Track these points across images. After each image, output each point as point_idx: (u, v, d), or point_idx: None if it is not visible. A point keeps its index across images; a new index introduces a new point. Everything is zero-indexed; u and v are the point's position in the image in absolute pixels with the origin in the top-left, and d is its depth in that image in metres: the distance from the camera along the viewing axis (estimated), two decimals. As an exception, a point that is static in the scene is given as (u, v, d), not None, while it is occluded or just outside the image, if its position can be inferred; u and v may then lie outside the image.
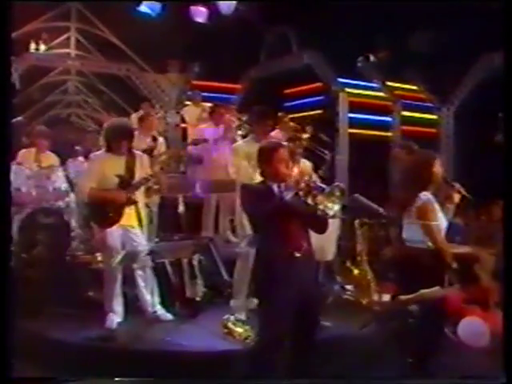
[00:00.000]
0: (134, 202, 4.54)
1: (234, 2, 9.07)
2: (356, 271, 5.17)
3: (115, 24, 9.45)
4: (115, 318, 4.58)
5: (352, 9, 8.35)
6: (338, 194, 3.33)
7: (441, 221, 3.92)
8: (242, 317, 4.68)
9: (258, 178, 4.33)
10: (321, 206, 3.30)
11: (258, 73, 9.70)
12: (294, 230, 3.45)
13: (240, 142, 5.24)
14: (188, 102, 9.34)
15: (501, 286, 3.98)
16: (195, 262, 5.23)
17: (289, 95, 9.95)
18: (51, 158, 6.06)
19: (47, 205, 5.52)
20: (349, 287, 5.45)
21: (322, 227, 3.52)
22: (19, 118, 7.22)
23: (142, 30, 8.86)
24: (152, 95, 9.37)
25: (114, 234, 4.50)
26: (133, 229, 4.58)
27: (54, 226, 5.38)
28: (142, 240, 4.63)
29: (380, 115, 9.09)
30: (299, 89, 9.67)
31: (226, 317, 4.62)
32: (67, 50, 10.04)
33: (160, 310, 4.80)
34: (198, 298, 5.14)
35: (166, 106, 9.47)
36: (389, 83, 9.22)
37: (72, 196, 5.72)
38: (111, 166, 4.55)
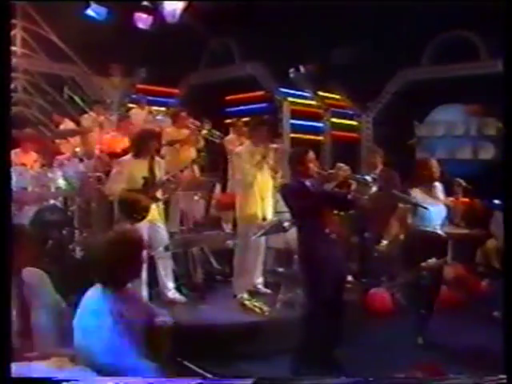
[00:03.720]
0: (158, 200, 5.09)
1: (179, 11, 9.60)
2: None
3: (60, 25, 9.52)
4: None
5: (288, 21, 9.29)
6: (371, 181, 4.24)
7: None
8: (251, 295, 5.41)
9: (262, 176, 5.17)
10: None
11: (199, 79, 10.30)
12: (329, 216, 4.28)
13: (241, 147, 5.89)
14: (133, 105, 9.66)
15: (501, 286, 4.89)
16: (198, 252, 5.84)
17: (230, 102, 10.67)
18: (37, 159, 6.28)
19: (51, 203, 5.78)
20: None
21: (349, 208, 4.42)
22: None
23: (87, 33, 9.08)
24: (96, 97, 9.60)
25: (142, 228, 4.99)
26: (157, 223, 5.12)
27: (59, 222, 5.67)
28: (165, 232, 5.18)
29: (314, 121, 10.13)
30: (241, 96, 10.42)
31: (239, 296, 5.33)
32: (13, 48, 9.86)
33: (175, 294, 5.35)
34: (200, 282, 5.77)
35: (108, 109, 9.74)
36: (319, 92, 10.30)
37: (71, 195, 6.02)
38: (138, 169, 5.13)
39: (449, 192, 5.61)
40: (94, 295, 2.67)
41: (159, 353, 2.70)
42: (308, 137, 9.62)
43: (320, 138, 10.11)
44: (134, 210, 5.00)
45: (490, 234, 8.14)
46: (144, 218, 5.02)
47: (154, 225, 5.13)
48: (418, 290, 4.72)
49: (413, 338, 4.93)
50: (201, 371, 2.99)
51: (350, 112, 10.58)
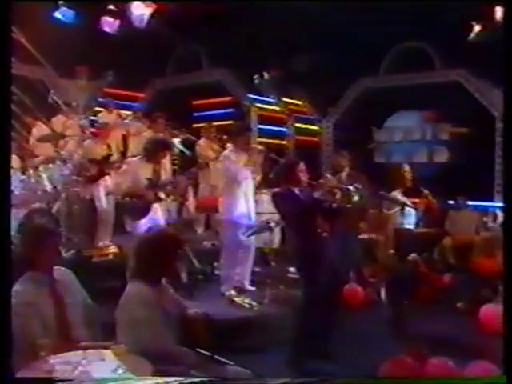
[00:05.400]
0: (161, 200, 5.30)
1: (147, 16, 9.73)
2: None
3: (29, 27, 9.43)
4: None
5: (257, 29, 9.59)
6: (354, 191, 4.60)
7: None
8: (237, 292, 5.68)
9: (247, 178, 5.45)
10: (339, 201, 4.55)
11: (165, 84, 10.45)
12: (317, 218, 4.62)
13: (227, 151, 6.06)
14: (100, 109, 9.69)
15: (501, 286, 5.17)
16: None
17: (197, 107, 10.86)
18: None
19: (38, 206, 5.83)
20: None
21: (335, 216, 4.75)
22: None
23: (54, 36, 9.07)
24: (62, 100, 9.56)
25: (144, 226, 5.18)
26: (158, 221, 5.32)
27: (48, 225, 5.71)
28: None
29: (279, 126, 10.48)
30: (208, 101, 10.64)
31: (227, 293, 5.58)
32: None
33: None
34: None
35: (73, 112, 9.72)
36: (284, 98, 10.67)
37: (60, 197, 6.09)
38: (143, 170, 5.29)
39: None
40: (135, 290, 2.87)
41: (194, 341, 2.93)
42: (273, 141, 9.92)
43: (284, 142, 10.45)
44: (136, 207, 5.20)
45: (446, 233, 8.75)
46: (144, 216, 5.22)
47: (156, 223, 5.33)
48: (401, 283, 5.12)
49: (392, 328, 5.32)
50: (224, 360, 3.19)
51: (312, 117, 11.00)
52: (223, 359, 3.05)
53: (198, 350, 2.95)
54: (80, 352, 2.61)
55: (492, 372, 3.95)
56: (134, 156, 7.59)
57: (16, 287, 3.04)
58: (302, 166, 4.72)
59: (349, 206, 4.54)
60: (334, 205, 4.57)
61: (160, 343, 2.75)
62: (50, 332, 2.90)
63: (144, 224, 5.25)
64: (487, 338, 5.05)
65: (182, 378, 2.48)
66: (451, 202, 9.09)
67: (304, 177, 4.68)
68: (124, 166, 5.55)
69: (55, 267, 3.19)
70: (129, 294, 2.89)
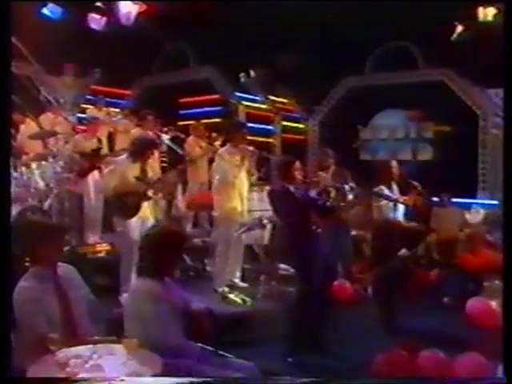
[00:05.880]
0: (149, 198, 5.32)
1: (134, 13, 9.72)
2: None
3: (14, 22, 9.35)
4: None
5: (245, 28, 9.65)
6: (348, 189, 4.71)
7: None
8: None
9: (240, 176, 5.54)
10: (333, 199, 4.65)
11: (153, 81, 10.46)
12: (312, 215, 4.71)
13: (222, 149, 6.15)
14: (88, 106, 9.67)
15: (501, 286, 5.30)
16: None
17: (185, 104, 10.88)
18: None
19: (31, 203, 5.83)
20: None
21: (329, 213, 4.85)
22: None
23: (40, 32, 9.02)
24: (50, 97, 9.52)
25: (133, 224, 5.20)
26: (148, 220, 5.34)
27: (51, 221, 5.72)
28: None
29: (266, 124, 10.56)
30: (196, 99, 10.67)
31: (220, 289, 5.64)
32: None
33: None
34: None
35: (62, 109, 9.68)
36: (270, 97, 10.76)
37: (52, 194, 6.09)
38: (131, 169, 5.31)
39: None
40: (143, 285, 2.93)
41: (199, 334, 3.00)
42: (260, 139, 9.99)
43: (271, 140, 10.55)
44: (126, 206, 5.20)
45: (431, 229, 8.92)
46: (135, 214, 5.24)
47: (146, 222, 5.34)
48: (390, 279, 5.23)
49: (381, 323, 5.43)
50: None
51: (298, 115, 11.11)
52: (225, 353, 3.11)
53: (202, 343, 3.02)
54: (90, 346, 2.66)
55: (481, 364, 4.08)
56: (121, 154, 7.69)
57: (21, 283, 3.07)
58: (297, 164, 4.81)
59: (343, 204, 4.65)
60: (328, 203, 4.67)
61: (168, 337, 2.81)
62: (56, 327, 2.94)
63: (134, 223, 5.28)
64: (475, 331, 5.20)
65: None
66: (435, 199, 9.26)
67: (299, 175, 4.77)
68: (111, 165, 5.52)
69: (59, 264, 3.23)
70: (137, 288, 2.94)
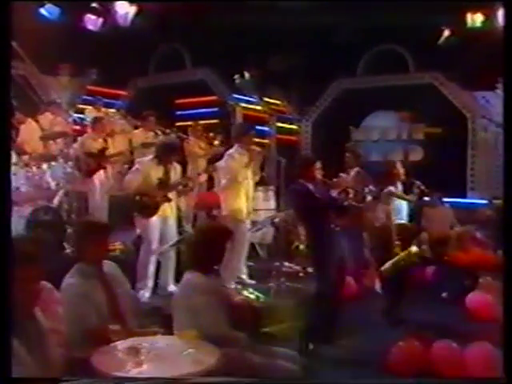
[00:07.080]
0: (170, 200, 5.47)
1: (131, 14, 9.80)
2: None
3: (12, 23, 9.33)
4: (146, 293, 5.41)
5: (240, 30, 9.80)
6: (367, 192, 4.90)
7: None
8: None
9: (248, 176, 5.71)
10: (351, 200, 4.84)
11: (148, 82, 10.54)
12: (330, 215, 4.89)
13: (232, 150, 6.28)
14: (88, 107, 9.69)
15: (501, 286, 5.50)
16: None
17: (182, 105, 10.96)
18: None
19: (43, 203, 5.90)
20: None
21: (346, 213, 5.03)
22: None
23: (37, 32, 9.03)
24: (46, 97, 9.54)
25: (154, 223, 5.34)
26: (168, 220, 5.49)
27: (53, 222, 5.81)
28: (174, 229, 5.56)
29: (261, 125, 10.71)
30: (193, 100, 10.77)
31: (232, 286, 5.79)
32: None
33: (174, 287, 5.72)
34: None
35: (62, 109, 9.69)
36: (265, 98, 10.93)
37: (62, 194, 6.17)
38: (155, 170, 5.46)
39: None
40: (193, 278, 3.09)
41: (243, 325, 3.16)
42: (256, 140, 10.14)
43: (266, 141, 10.70)
44: (146, 206, 5.35)
45: (422, 228, 9.20)
46: (154, 214, 5.38)
47: (164, 221, 5.50)
48: (400, 275, 5.45)
49: (387, 317, 5.64)
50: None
51: (291, 117, 11.31)
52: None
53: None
54: (149, 338, 2.79)
55: (491, 353, 4.30)
56: (119, 154, 7.80)
57: (67, 280, 3.19)
58: (318, 164, 4.92)
59: (360, 205, 4.83)
60: (346, 203, 4.84)
61: (218, 328, 2.96)
62: (104, 321, 3.06)
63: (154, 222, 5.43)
64: (476, 323, 5.46)
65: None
66: (426, 198, 9.54)
67: (319, 175, 4.91)
68: (136, 166, 5.66)
69: (104, 261, 3.35)
70: (187, 282, 3.09)
